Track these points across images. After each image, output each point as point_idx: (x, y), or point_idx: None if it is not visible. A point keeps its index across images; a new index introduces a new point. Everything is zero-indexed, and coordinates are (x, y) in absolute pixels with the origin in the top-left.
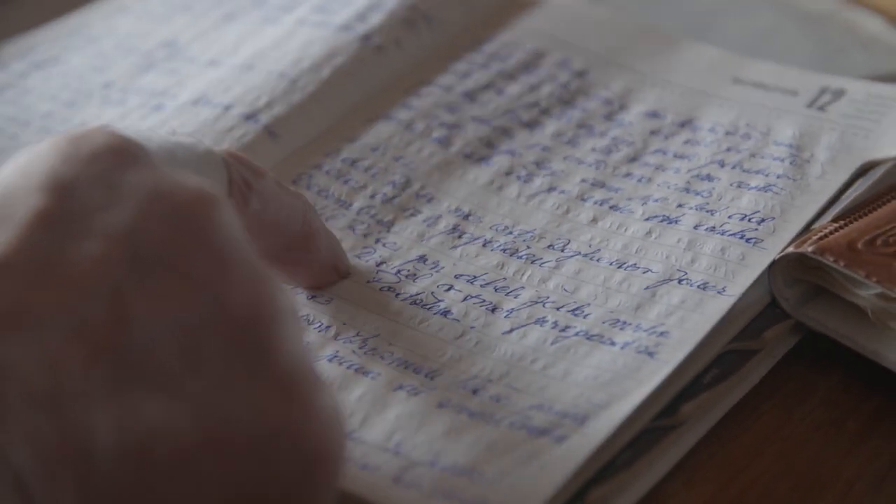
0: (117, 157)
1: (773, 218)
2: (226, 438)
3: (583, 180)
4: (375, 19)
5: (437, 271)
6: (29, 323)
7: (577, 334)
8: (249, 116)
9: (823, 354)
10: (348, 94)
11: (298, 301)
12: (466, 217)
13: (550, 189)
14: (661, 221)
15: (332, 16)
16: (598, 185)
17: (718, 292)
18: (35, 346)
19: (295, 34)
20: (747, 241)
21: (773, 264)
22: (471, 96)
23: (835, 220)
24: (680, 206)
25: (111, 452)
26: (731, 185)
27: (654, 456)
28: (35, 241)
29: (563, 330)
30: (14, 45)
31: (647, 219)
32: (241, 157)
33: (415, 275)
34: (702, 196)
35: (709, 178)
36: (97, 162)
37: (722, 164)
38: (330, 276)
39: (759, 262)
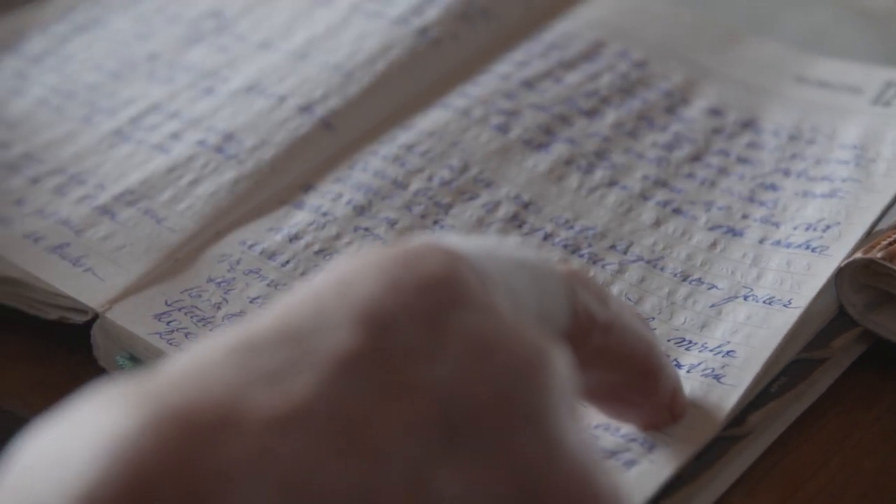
0: (449, 290)
1: (839, 223)
2: None
3: (645, 177)
4: (431, 13)
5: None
6: (314, 496)
7: None
8: (305, 108)
9: (891, 362)
10: (404, 87)
11: None
12: (526, 206)
13: (612, 183)
14: (726, 233)
15: (387, 5)
16: (661, 183)
17: (785, 305)
18: None
19: (349, 22)
20: (813, 250)
21: (841, 270)
22: (529, 84)
23: None
24: (745, 217)
25: None
26: (795, 194)
27: (721, 467)
28: (338, 390)
29: None
30: (53, 3)
31: (712, 228)
32: (587, 281)
33: None
34: (766, 207)
35: (773, 187)
36: (425, 295)
37: (787, 173)
38: (665, 418)
39: (825, 269)
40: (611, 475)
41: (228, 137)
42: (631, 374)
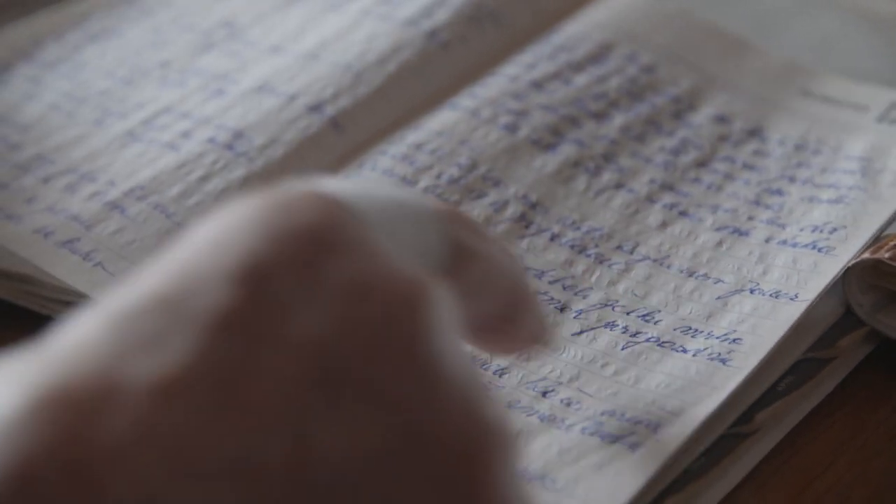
0: (325, 237)
1: (845, 227)
2: None
3: (651, 181)
4: (441, 15)
5: None
6: (201, 471)
7: (647, 340)
8: (314, 108)
9: None
10: (414, 89)
11: None
12: (533, 206)
13: (618, 186)
14: (732, 233)
15: (397, 9)
16: (667, 187)
17: (791, 299)
18: (207, 497)
19: (359, 25)
20: (819, 250)
21: (848, 270)
22: (538, 85)
23: None
24: (750, 218)
25: None
26: (801, 199)
27: (728, 464)
28: (216, 353)
29: (633, 335)
30: (68, 11)
31: (718, 229)
32: (462, 217)
33: None
34: (772, 210)
35: (779, 192)
36: (301, 243)
37: (792, 180)
38: (532, 347)
39: (832, 268)
40: (497, 406)
41: (238, 135)
42: (503, 304)
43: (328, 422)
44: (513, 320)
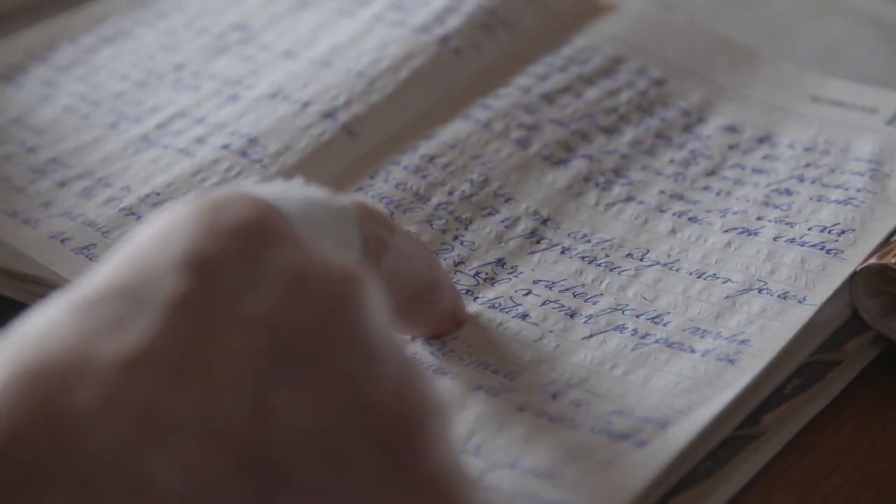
0: (259, 230)
1: (854, 230)
2: None
3: (661, 192)
4: (453, 22)
5: (515, 276)
6: (167, 429)
7: (656, 341)
8: (328, 114)
9: None
10: (427, 95)
11: None
12: (545, 222)
13: (629, 199)
14: (741, 233)
15: (409, 15)
16: (677, 197)
17: (799, 301)
18: (174, 455)
19: (372, 31)
20: (828, 252)
21: (855, 275)
22: (549, 98)
23: None
24: (759, 218)
25: None
26: (810, 198)
27: (735, 465)
28: (175, 331)
29: (642, 337)
30: (83, 14)
31: (726, 230)
32: (373, 211)
33: (493, 278)
34: (781, 209)
35: (788, 192)
36: (239, 237)
37: (801, 179)
38: (449, 325)
39: (840, 272)
40: (430, 380)
41: (253, 142)
42: (416, 290)
43: (282, 388)
44: (427, 301)
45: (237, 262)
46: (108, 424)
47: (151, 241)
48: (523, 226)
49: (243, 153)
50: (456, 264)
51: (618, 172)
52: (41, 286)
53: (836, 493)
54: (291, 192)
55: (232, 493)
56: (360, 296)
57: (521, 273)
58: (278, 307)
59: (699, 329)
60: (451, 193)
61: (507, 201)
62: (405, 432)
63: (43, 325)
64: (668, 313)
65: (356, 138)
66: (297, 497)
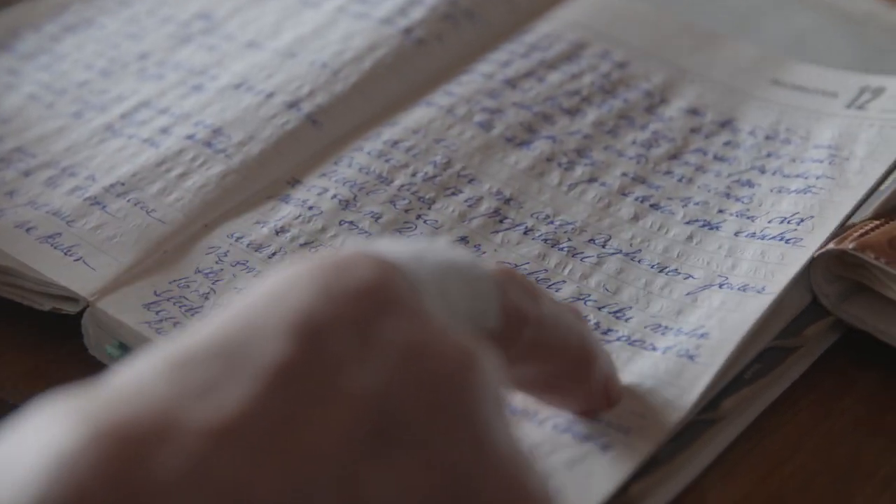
0: (379, 297)
1: (812, 217)
2: None
3: (623, 174)
4: (417, 14)
5: (478, 256)
6: None
7: (619, 339)
8: (292, 105)
9: (863, 351)
10: (390, 86)
11: None
12: (508, 201)
13: (591, 180)
14: (703, 227)
15: (373, 7)
16: (639, 180)
17: (758, 292)
18: None
19: (336, 23)
20: (787, 241)
21: (814, 261)
22: (512, 83)
23: (876, 217)
24: (721, 211)
25: None
26: (771, 190)
27: (695, 450)
28: (271, 401)
29: (605, 333)
30: (46, 2)
31: (688, 222)
32: (517, 278)
33: None
34: (742, 202)
35: (749, 183)
36: (356, 303)
37: (762, 171)
38: (601, 403)
39: (799, 259)
40: (540, 474)
41: (217, 132)
42: (565, 365)
43: (378, 471)
44: (576, 379)
45: (349, 329)
46: (189, 498)
47: (263, 299)
48: (486, 205)
49: (208, 143)
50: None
51: (580, 153)
52: (6, 275)
53: (794, 477)
54: (427, 254)
55: None
56: (476, 377)
57: (485, 253)
58: (385, 382)
59: (661, 325)
60: (414, 175)
61: (470, 182)
62: None
63: (131, 381)
64: (630, 307)
65: (320, 128)
66: None
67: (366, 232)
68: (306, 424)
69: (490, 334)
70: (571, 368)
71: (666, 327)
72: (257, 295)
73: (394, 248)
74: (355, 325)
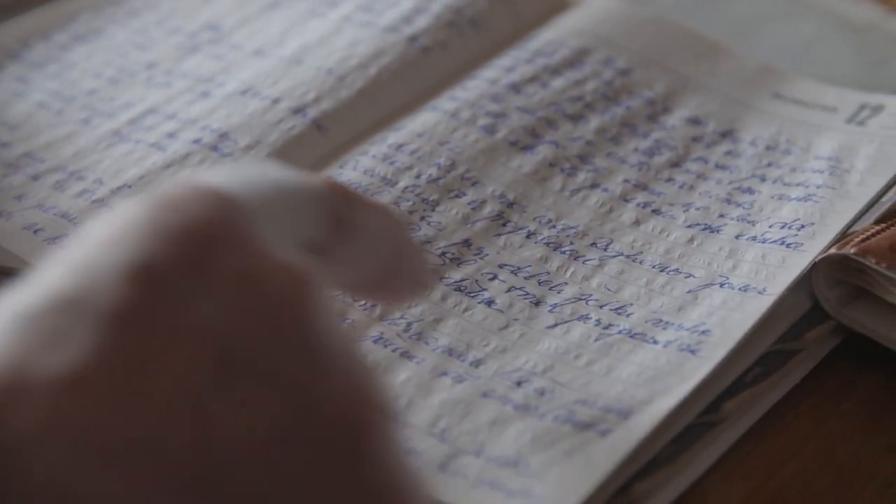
0: (212, 232)
1: (813, 223)
2: None
3: (625, 180)
4: (421, 22)
5: (481, 258)
6: (107, 451)
7: (620, 332)
8: (298, 110)
9: (864, 355)
10: (395, 92)
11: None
12: (511, 205)
13: (594, 186)
14: (703, 230)
15: (378, 16)
16: (641, 187)
17: (759, 292)
18: (115, 478)
19: (341, 31)
20: (787, 246)
21: (815, 265)
22: (516, 88)
23: (877, 222)
24: (721, 216)
25: None
26: (771, 197)
27: (696, 451)
28: (115, 347)
29: (606, 328)
30: (55, 10)
31: (689, 226)
32: (340, 188)
33: (459, 259)
34: (743, 208)
35: (750, 190)
36: (190, 240)
37: (763, 179)
38: (417, 292)
39: (800, 263)
40: (380, 381)
41: (223, 137)
42: (383, 261)
43: (226, 402)
44: (396, 274)
45: (185, 269)
46: (47, 448)
47: (97, 244)
48: (489, 208)
49: (214, 147)
50: (422, 244)
51: (583, 159)
52: (14, 276)
53: (795, 479)
54: (256, 178)
55: None
56: (308, 299)
57: (487, 255)
58: (222, 317)
59: (661, 321)
60: (418, 177)
61: (473, 184)
62: (352, 440)
63: None
64: (632, 304)
65: (325, 133)
66: None
67: None
68: (151, 364)
69: (316, 247)
70: (391, 265)
71: (667, 322)
72: (93, 239)
73: (223, 176)
74: (191, 263)
